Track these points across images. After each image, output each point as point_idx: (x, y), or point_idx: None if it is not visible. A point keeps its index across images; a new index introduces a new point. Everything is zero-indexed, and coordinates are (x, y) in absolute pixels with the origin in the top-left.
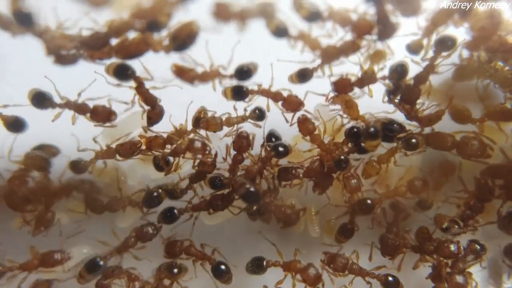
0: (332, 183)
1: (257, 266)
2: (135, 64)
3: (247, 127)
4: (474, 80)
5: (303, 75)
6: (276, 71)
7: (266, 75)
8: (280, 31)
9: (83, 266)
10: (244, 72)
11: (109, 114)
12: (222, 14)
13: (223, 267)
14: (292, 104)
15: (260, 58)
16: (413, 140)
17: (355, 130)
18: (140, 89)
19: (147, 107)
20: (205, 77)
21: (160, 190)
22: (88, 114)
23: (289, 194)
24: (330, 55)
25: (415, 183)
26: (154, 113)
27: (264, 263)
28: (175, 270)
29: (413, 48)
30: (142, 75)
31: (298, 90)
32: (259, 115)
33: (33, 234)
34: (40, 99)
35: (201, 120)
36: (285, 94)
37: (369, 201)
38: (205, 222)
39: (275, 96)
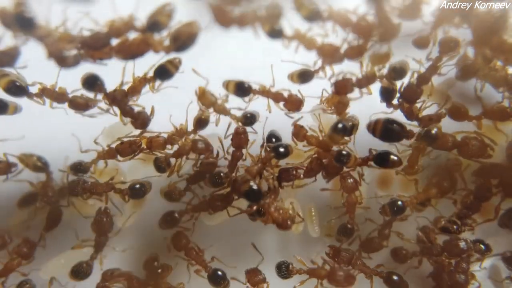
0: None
1: (282, 271)
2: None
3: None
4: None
5: (304, 76)
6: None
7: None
8: (275, 33)
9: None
10: (164, 72)
11: (87, 104)
12: (222, 19)
13: (219, 273)
14: (294, 103)
15: (259, 59)
16: (433, 132)
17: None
18: (114, 103)
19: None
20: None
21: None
22: (66, 103)
23: (289, 194)
24: (327, 53)
25: (444, 184)
26: (137, 123)
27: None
28: (159, 271)
29: (420, 43)
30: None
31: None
32: (248, 120)
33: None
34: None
35: (199, 87)
36: (285, 94)
37: (399, 202)
38: (205, 222)
39: (276, 97)
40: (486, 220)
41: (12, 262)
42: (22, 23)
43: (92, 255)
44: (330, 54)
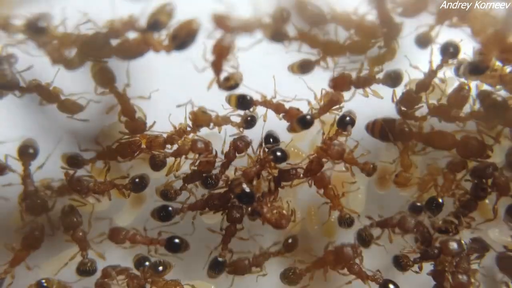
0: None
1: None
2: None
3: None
4: None
5: (305, 66)
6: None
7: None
8: (279, 36)
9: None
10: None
11: (77, 109)
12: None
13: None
14: (293, 116)
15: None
16: (347, 118)
17: (347, 118)
18: (120, 98)
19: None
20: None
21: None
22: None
23: (289, 193)
24: (331, 49)
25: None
26: (131, 125)
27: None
28: (160, 268)
29: (422, 41)
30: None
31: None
32: (249, 123)
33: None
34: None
35: (190, 111)
36: (286, 106)
37: (440, 200)
38: (204, 221)
39: (277, 108)
40: (486, 220)
41: (22, 251)
42: (34, 31)
43: (81, 253)
44: (334, 52)
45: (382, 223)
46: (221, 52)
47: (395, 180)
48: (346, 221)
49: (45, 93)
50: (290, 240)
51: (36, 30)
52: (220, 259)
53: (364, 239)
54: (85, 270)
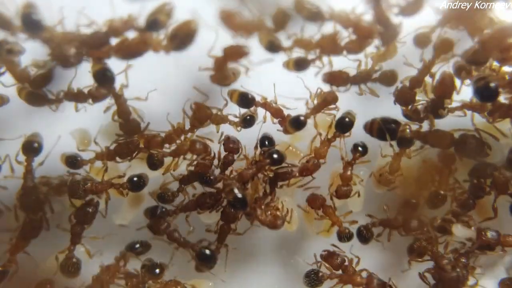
0: None
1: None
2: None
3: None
4: None
5: (300, 64)
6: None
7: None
8: (274, 47)
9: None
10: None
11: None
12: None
13: (207, 252)
14: None
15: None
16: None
17: (346, 119)
18: (117, 99)
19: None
20: None
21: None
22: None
23: (286, 193)
24: (327, 44)
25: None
26: (125, 128)
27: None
28: (157, 271)
29: (421, 41)
30: None
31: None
32: (248, 122)
33: None
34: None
35: (194, 102)
36: (285, 112)
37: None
38: (203, 220)
39: (276, 112)
40: (486, 219)
41: (22, 240)
42: (29, 24)
43: (69, 248)
44: (330, 44)
45: (385, 222)
46: (231, 55)
47: (377, 178)
48: (345, 236)
49: (79, 97)
50: None
51: (33, 23)
52: (207, 251)
53: (365, 237)
54: (66, 267)
